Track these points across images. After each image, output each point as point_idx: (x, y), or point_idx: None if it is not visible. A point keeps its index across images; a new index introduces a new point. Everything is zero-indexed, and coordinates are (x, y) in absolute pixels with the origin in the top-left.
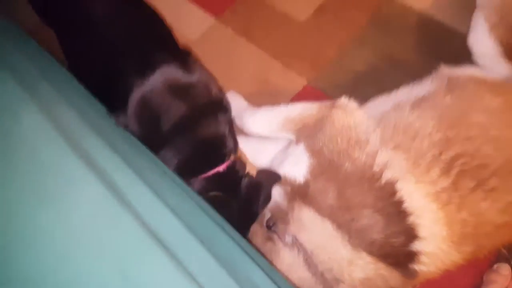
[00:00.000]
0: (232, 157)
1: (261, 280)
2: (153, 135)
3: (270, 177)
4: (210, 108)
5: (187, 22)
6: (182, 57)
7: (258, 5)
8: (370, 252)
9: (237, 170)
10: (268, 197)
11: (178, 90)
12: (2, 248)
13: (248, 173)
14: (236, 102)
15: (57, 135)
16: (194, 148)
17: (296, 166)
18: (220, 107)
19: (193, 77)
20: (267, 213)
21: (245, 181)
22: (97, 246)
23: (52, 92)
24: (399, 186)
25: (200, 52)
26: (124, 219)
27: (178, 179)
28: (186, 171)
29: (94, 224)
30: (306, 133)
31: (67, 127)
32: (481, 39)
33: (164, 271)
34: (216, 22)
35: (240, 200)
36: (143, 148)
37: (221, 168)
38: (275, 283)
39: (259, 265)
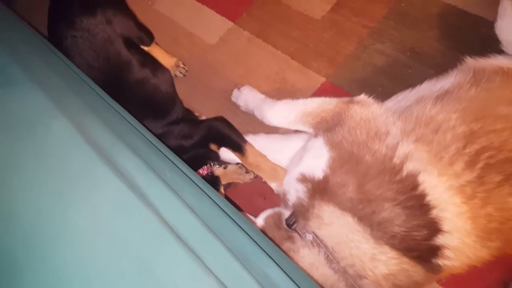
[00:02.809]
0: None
1: (274, 272)
2: None
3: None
4: None
5: (206, 27)
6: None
7: (274, 6)
8: (392, 246)
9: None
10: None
11: None
12: (39, 244)
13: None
14: (252, 95)
15: (84, 143)
16: None
17: (316, 159)
18: None
19: None
20: (285, 212)
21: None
22: (121, 241)
23: (78, 103)
24: (421, 178)
25: (219, 55)
26: (145, 217)
27: (197, 178)
28: None
29: (117, 221)
30: (324, 127)
31: (92, 134)
32: (510, 26)
33: (182, 264)
34: (234, 25)
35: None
36: (164, 149)
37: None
38: (287, 275)
39: (272, 259)
